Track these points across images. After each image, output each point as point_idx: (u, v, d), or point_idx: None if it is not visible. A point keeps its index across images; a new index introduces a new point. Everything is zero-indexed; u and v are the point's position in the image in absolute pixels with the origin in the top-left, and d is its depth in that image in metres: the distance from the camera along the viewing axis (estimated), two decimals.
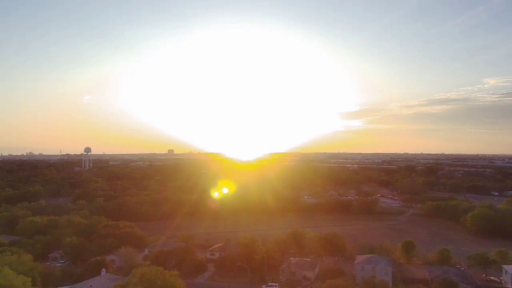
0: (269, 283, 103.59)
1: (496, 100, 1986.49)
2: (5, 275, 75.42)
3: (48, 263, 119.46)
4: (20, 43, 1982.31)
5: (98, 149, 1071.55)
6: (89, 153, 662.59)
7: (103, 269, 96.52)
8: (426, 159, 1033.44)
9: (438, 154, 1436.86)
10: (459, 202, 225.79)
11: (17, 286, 74.88)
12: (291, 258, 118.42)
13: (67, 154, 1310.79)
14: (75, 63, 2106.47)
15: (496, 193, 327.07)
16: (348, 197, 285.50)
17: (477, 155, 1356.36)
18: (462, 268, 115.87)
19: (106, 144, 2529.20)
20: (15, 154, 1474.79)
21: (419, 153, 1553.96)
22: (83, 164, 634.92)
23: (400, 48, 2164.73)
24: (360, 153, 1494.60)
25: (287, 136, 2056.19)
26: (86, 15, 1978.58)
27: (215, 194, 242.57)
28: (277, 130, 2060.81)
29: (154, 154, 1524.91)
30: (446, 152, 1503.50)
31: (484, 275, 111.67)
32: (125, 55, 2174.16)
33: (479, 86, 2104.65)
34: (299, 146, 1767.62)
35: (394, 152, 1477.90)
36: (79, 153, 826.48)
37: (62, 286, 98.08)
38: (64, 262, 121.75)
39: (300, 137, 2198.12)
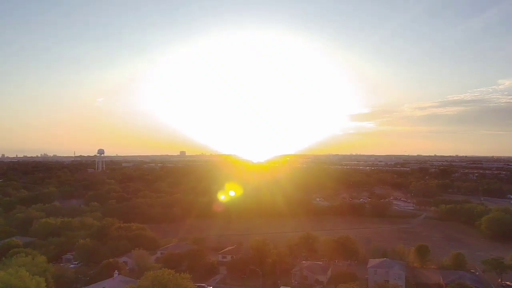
0: (281, 287, 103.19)
1: (511, 101, 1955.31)
2: (20, 276, 76.47)
3: (61, 265, 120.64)
4: (36, 47, 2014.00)
5: (111, 151, 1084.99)
6: (102, 155, 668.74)
7: (116, 271, 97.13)
8: (439, 161, 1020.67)
9: (452, 156, 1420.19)
10: (474, 205, 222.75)
11: (31, 287, 75.83)
12: (303, 262, 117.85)
13: (80, 155, 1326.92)
14: (89, 66, 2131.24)
15: None
16: (361, 200, 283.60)
17: (492, 157, 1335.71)
18: (477, 273, 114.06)
19: (119, 145, 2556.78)
20: (30, 155, 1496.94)
21: (433, 155, 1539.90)
22: (96, 165, 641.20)
23: (412, 49, 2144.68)
24: (372, 155, 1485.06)
25: (299, 138, 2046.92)
26: (101, 20, 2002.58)
27: (227, 196, 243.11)
28: (289, 132, 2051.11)
29: (167, 155, 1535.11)
30: (460, 154, 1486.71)
31: (499, 280, 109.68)
32: (138, 58, 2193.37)
33: (493, 87, 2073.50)
34: (311, 148, 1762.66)
35: (407, 154, 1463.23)
36: (93, 155, 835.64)
37: (75, 287, 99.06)
38: (77, 264, 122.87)
39: (312, 139, 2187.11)
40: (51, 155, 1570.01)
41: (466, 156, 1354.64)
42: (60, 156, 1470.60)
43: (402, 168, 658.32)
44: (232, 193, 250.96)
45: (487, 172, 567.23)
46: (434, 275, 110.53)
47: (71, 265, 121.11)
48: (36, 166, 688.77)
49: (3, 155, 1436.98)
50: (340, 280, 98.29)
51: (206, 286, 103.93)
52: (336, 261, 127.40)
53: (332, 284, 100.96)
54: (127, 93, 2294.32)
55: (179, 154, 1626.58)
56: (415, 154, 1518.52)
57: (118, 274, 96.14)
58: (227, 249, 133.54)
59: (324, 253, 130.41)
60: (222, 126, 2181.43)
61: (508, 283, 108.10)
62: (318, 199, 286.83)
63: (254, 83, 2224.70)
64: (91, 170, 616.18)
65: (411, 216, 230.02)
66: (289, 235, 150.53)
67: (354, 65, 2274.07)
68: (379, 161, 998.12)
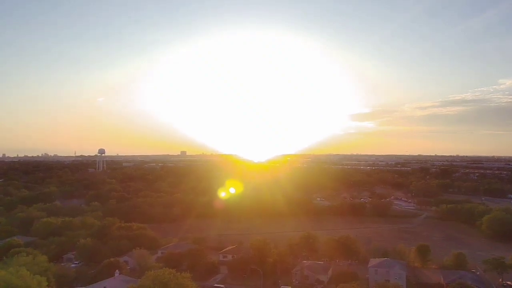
0: (282, 286, 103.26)
1: None
2: (21, 275, 76.55)
3: (62, 264, 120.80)
4: (36, 47, 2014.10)
5: (111, 151, 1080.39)
6: (103, 155, 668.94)
7: (117, 270, 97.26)
8: (440, 161, 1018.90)
9: (453, 156, 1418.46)
10: (475, 205, 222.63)
11: (32, 286, 75.92)
12: (304, 261, 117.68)
13: (81, 155, 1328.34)
14: (89, 66, 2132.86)
15: None
16: (361, 199, 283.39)
17: (493, 157, 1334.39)
18: (478, 273, 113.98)
19: (119, 145, 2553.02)
20: (31, 155, 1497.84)
21: (433, 155, 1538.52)
22: (97, 165, 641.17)
23: (412, 49, 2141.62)
24: (373, 155, 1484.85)
25: (299, 137, 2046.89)
26: (101, 20, 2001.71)
27: (227, 193, 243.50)
28: (289, 132, 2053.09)
29: (167, 155, 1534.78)
30: (460, 154, 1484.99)
31: (500, 280, 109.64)
32: (138, 58, 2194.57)
33: (494, 87, 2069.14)
34: (311, 148, 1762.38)
35: (408, 154, 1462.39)
36: (93, 155, 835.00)
37: (76, 287, 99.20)
38: (78, 263, 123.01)
39: (312, 138, 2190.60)
40: (52, 154, 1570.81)
41: (466, 156, 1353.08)
42: (60, 156, 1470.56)
43: (403, 168, 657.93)
44: (232, 190, 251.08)
45: (487, 172, 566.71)
46: (435, 274, 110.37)
47: (72, 265, 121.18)
48: (37, 165, 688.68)
49: (4, 154, 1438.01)
50: (341, 279, 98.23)
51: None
52: (337, 260, 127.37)
53: (333, 283, 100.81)
54: (128, 93, 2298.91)
55: (179, 154, 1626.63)
56: (416, 154, 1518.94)
57: (119, 274, 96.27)
58: (227, 248, 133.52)
59: (324, 252, 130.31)
60: (223, 126, 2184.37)
61: (509, 283, 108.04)
62: (318, 199, 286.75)
63: (254, 83, 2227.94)
64: (92, 169, 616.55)
65: (411, 216, 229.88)
66: (290, 234, 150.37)
67: (354, 65, 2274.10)
68: (380, 161, 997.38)
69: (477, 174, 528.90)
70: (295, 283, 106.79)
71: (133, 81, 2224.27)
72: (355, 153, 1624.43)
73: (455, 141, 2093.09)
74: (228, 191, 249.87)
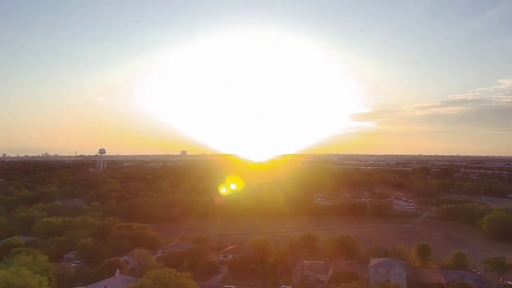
0: (282, 286, 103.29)
1: None
2: (22, 275, 76.63)
3: (63, 264, 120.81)
4: (36, 47, 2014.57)
5: (112, 150, 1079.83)
6: (103, 154, 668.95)
7: (117, 270, 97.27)
8: (441, 161, 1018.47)
9: (453, 156, 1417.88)
10: (475, 205, 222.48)
11: (33, 286, 76.00)
12: (304, 261, 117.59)
13: (81, 155, 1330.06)
14: (89, 66, 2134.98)
15: None
16: (362, 199, 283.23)
17: (494, 157, 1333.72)
18: (479, 273, 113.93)
19: (120, 145, 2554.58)
20: (31, 155, 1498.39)
21: (434, 155, 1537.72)
22: (97, 165, 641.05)
23: (412, 49, 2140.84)
24: (373, 155, 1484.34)
25: (299, 137, 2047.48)
26: (101, 20, 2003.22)
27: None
28: (289, 132, 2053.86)
29: (168, 155, 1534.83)
30: (461, 154, 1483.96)
31: (501, 279, 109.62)
32: (138, 58, 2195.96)
33: (495, 87, 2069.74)
34: (312, 148, 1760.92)
35: (408, 154, 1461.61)
36: (94, 154, 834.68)
37: (77, 286, 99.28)
38: (78, 263, 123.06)
39: (312, 138, 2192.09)
40: (52, 154, 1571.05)
41: (467, 156, 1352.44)
42: (61, 156, 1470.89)
43: (403, 168, 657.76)
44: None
45: (488, 172, 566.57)
46: (435, 274, 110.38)
47: (73, 264, 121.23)
48: (37, 165, 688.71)
49: (4, 154, 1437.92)
50: (341, 279, 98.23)
51: None
52: (337, 260, 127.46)
53: (333, 283, 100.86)
54: (128, 93, 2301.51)
55: (180, 153, 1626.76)
56: (416, 154, 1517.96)
57: (120, 273, 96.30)
58: (228, 248, 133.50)
59: (325, 252, 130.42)
60: (223, 126, 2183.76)
61: (509, 282, 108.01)
62: (319, 199, 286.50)
63: (254, 83, 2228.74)
64: (92, 169, 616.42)
65: (412, 216, 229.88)
66: (290, 234, 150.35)
67: (354, 65, 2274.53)
68: (380, 161, 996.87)
69: (477, 174, 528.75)
70: (296, 283, 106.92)
71: (133, 81, 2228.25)
72: (355, 153, 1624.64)
73: (456, 141, 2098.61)
74: (228, 191, 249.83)
